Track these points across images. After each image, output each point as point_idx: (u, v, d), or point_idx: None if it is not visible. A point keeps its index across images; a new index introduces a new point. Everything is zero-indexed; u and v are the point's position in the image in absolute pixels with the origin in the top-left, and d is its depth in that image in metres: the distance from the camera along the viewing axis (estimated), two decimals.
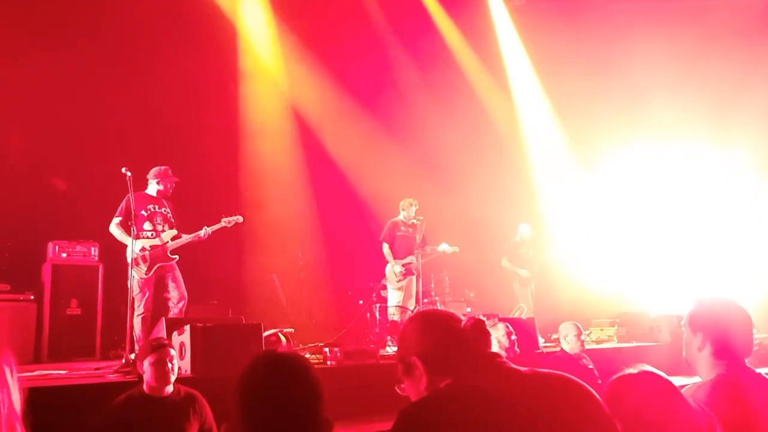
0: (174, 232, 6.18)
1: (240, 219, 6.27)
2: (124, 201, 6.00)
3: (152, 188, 6.26)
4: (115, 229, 6.05)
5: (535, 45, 10.55)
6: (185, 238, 6.15)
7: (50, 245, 7.28)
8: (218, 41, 9.16)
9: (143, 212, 6.08)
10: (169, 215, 6.24)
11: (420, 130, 10.06)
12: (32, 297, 7.03)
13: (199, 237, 6.13)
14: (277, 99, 9.66)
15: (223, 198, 8.58)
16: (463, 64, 10.63)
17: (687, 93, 9.40)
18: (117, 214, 6.06)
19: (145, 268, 5.98)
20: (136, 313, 5.90)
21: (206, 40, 8.86)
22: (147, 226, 6.10)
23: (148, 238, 6.07)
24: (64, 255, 7.33)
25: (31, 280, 7.25)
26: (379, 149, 9.99)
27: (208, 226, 6.15)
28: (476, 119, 10.49)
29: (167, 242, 6.09)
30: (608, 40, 9.93)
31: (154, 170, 6.26)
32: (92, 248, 7.43)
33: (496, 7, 10.75)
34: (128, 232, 5.80)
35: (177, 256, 6.15)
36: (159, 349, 3.75)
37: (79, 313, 7.22)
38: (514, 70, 10.93)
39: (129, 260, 5.74)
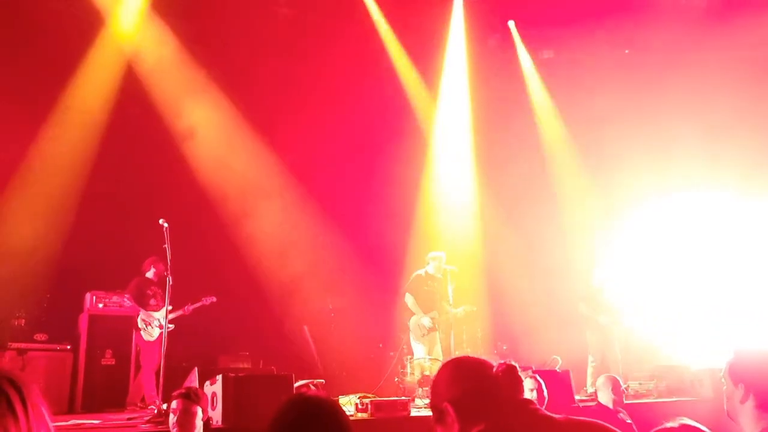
0: (168, 308, 7.01)
1: (214, 299, 7.43)
2: (133, 282, 7.24)
3: (150, 274, 7.43)
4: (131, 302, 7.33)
5: (564, 96, 10.62)
6: (174, 315, 7.10)
7: (88, 296, 7.44)
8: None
9: (148, 292, 7.27)
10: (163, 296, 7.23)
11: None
12: (69, 347, 7.15)
13: (183, 311, 7.29)
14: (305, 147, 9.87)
15: (253, 249, 8.74)
16: (488, 117, 10.74)
17: (719, 143, 9.30)
18: (129, 290, 7.25)
19: (151, 332, 7.09)
20: (145, 368, 6.94)
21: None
22: (152, 302, 7.29)
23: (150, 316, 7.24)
24: (100, 305, 7.47)
25: (69, 329, 7.39)
26: (409, 200, 10.06)
27: (190, 304, 7.30)
28: (502, 167, 10.51)
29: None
30: (637, 91, 9.94)
31: (147, 261, 7.39)
32: (127, 299, 7.56)
33: (524, 60, 10.91)
34: (140, 305, 7.14)
35: (172, 326, 6.96)
36: (179, 398, 3.81)
37: (113, 363, 7.31)
38: (542, 122, 10.99)
39: (140, 326, 7.12)
